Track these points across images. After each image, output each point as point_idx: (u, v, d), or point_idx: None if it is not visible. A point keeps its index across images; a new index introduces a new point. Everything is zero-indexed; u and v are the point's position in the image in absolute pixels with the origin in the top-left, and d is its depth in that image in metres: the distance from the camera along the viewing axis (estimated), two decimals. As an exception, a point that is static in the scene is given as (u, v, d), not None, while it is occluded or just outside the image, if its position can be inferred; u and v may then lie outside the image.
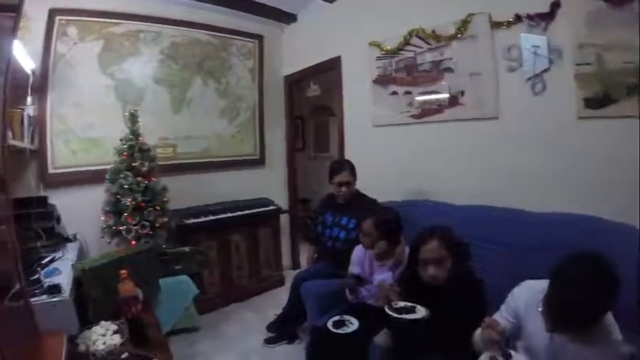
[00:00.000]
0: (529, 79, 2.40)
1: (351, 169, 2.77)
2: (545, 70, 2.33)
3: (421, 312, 1.72)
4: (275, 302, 3.36)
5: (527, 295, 1.52)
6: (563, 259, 1.33)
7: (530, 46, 2.38)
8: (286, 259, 4.25)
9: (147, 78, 3.32)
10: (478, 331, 1.56)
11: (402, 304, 1.78)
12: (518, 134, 2.47)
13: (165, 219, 2.90)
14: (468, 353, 1.63)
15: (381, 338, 1.92)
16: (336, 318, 2.05)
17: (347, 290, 2.32)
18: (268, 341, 2.86)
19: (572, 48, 2.22)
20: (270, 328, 2.96)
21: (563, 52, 2.26)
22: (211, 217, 3.35)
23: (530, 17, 2.35)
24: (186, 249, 2.98)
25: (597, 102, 2.17)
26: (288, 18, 4.11)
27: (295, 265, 4.36)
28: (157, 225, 2.84)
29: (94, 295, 1.96)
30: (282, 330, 2.91)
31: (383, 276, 2.24)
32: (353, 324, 2.01)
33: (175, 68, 3.48)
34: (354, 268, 2.39)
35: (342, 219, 2.76)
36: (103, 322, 1.76)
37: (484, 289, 1.78)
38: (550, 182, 2.36)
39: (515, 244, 2.13)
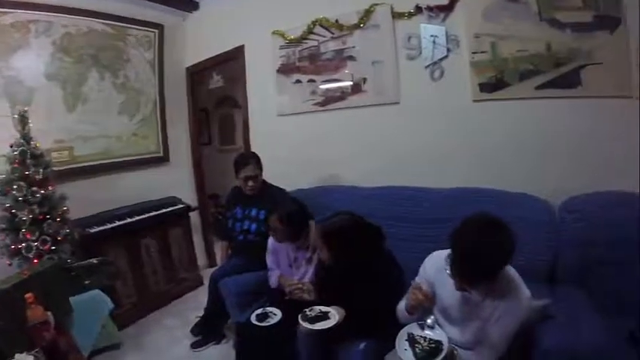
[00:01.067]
0: (428, 66, 2.71)
1: (257, 161, 2.82)
2: (443, 58, 2.66)
3: (334, 318, 1.86)
4: (196, 304, 3.35)
5: (436, 263, 1.68)
6: (461, 222, 1.52)
7: (429, 36, 2.68)
8: (202, 258, 4.25)
9: (37, 74, 3.08)
10: (401, 304, 1.72)
11: (316, 310, 1.91)
12: (418, 118, 2.78)
13: (68, 230, 2.76)
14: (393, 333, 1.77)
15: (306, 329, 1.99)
16: (259, 311, 2.13)
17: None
18: (195, 345, 2.87)
19: (468, 37, 2.57)
20: (194, 331, 2.98)
21: (460, 42, 2.60)
22: (117, 223, 3.22)
23: (429, 9, 2.65)
24: (94, 261, 2.81)
25: (491, 86, 2.56)
26: (190, 6, 4.05)
27: (212, 263, 4.36)
28: (59, 238, 2.68)
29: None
30: (207, 331, 2.93)
31: (300, 272, 2.37)
32: (276, 315, 2.10)
33: (68, 62, 3.26)
34: (269, 259, 2.52)
35: (252, 211, 2.82)
36: (17, 356, 1.65)
37: (399, 269, 1.97)
38: (450, 160, 2.70)
39: (425, 220, 2.43)
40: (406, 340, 1.55)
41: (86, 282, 2.72)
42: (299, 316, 1.88)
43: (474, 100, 2.60)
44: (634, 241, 2.02)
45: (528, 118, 2.50)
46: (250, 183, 2.76)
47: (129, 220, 3.31)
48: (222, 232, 3.13)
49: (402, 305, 1.71)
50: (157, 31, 3.90)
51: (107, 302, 2.74)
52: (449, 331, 1.63)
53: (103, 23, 3.48)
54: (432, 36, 2.67)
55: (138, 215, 3.39)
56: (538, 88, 2.46)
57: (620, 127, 2.30)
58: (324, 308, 1.92)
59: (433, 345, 1.50)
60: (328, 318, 1.86)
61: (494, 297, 1.54)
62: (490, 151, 2.59)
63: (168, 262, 3.66)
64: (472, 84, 2.60)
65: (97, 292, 2.71)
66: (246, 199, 2.86)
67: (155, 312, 3.42)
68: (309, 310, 1.90)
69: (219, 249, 3.24)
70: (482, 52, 2.55)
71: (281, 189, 2.88)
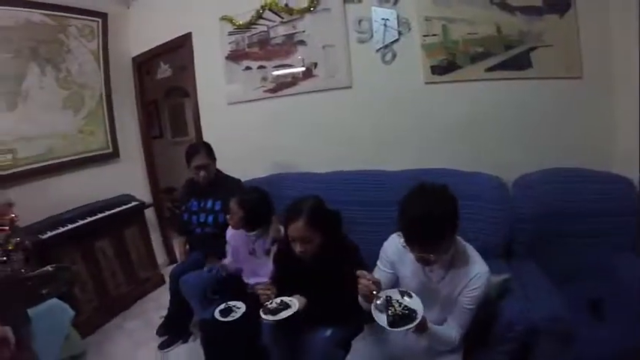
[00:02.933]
0: (379, 49, 2.89)
1: (208, 150, 2.91)
2: (395, 41, 2.84)
3: (294, 306, 1.93)
4: (159, 304, 3.43)
5: (395, 244, 1.80)
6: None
7: (380, 19, 2.84)
8: (161, 256, 4.30)
9: None
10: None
11: (277, 301, 1.97)
12: (370, 101, 2.97)
13: (18, 239, 2.67)
14: (359, 322, 1.92)
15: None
16: (222, 306, 2.20)
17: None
18: (162, 346, 2.94)
19: (419, 21, 2.76)
20: (160, 332, 3.05)
21: (411, 25, 2.79)
22: (70, 226, 3.19)
23: (381, -8, 2.79)
24: (49, 268, 2.71)
25: (443, 69, 2.77)
26: (135, -8, 4.02)
27: (172, 260, 4.41)
28: (10, 248, 2.60)
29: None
30: (173, 331, 3.01)
31: (259, 263, 2.49)
32: (240, 308, 2.18)
33: (6, 57, 3.19)
34: (228, 252, 2.65)
35: (207, 202, 2.92)
36: None
37: (359, 254, 2.08)
38: (403, 143, 2.91)
39: (380, 202, 2.60)
40: (382, 302, 1.59)
41: (43, 292, 2.64)
42: (260, 311, 1.95)
43: (426, 83, 2.80)
44: (582, 215, 2.31)
45: (480, 99, 2.71)
46: (202, 173, 2.85)
47: (81, 222, 3.30)
48: (179, 226, 3.20)
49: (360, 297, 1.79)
50: (100, 20, 3.83)
51: (67, 310, 2.67)
52: None
53: (41, 14, 3.41)
54: (383, 19, 2.83)
55: (90, 216, 3.38)
56: (489, 70, 2.69)
57: (570, 107, 2.58)
58: (284, 299, 1.99)
59: (406, 311, 1.53)
60: (289, 307, 1.94)
61: (453, 275, 1.68)
62: (443, 133, 2.80)
63: (127, 263, 3.70)
64: (424, 67, 2.79)
65: (55, 300, 2.63)
66: (200, 191, 2.95)
67: (117, 316, 3.48)
68: (270, 303, 1.97)
69: (177, 245, 3.30)
70: (433, 34, 2.74)
71: (236, 179, 2.98)
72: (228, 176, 3.01)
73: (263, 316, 1.92)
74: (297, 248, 1.99)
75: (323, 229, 1.99)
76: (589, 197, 2.34)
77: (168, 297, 2.99)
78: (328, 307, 1.95)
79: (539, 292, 1.94)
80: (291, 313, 1.91)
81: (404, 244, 1.68)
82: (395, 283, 1.84)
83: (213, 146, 2.96)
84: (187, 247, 3.13)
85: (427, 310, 1.65)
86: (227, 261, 2.66)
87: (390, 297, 1.59)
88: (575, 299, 1.97)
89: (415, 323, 1.49)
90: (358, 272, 1.65)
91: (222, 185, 2.89)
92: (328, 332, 1.98)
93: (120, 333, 3.25)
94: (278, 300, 1.98)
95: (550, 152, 2.60)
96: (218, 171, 2.99)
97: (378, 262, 1.89)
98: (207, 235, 2.89)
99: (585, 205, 2.33)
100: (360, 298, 1.70)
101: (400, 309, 1.54)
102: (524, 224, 2.40)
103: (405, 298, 1.59)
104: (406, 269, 1.79)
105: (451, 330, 1.69)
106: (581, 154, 2.53)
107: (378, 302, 1.57)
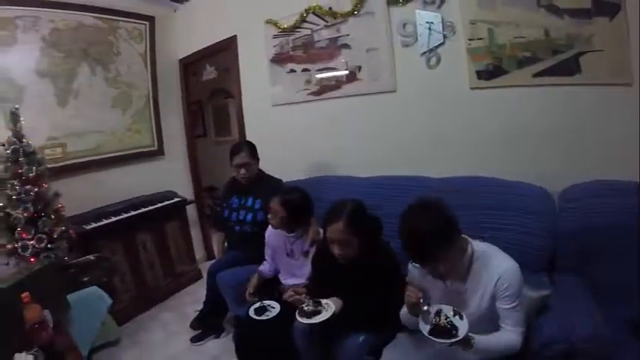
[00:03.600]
0: (424, 53, 2.88)
1: (251, 149, 2.98)
2: (440, 45, 2.83)
3: (330, 310, 1.95)
4: (194, 298, 3.55)
5: (411, 265, 1.84)
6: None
7: (424, 22, 2.84)
8: (199, 252, 4.45)
9: (27, 70, 3.23)
10: (403, 309, 1.80)
11: (313, 305, 1.98)
12: (414, 105, 2.97)
13: (63, 228, 2.86)
14: (392, 330, 1.94)
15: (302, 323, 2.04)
16: (257, 305, 2.26)
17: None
18: (195, 339, 3.03)
19: (464, 24, 2.73)
20: (193, 325, 3.14)
21: (456, 28, 2.77)
22: (113, 219, 3.37)
23: (424, -5, 2.82)
24: (91, 257, 2.96)
25: (489, 73, 2.72)
26: (180, -4, 4.20)
27: (210, 256, 4.58)
28: (55, 236, 2.79)
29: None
30: (206, 325, 3.09)
31: (298, 264, 2.53)
32: (275, 308, 2.22)
33: (59, 57, 3.40)
34: (266, 251, 2.69)
35: (248, 200, 2.99)
36: (17, 355, 1.70)
37: (397, 262, 2.04)
38: (447, 148, 2.90)
39: None
40: (432, 314, 1.63)
41: (84, 279, 2.85)
42: (296, 313, 1.97)
43: (471, 88, 2.77)
44: (629, 230, 2.16)
45: (526, 105, 2.66)
46: (242, 171, 2.94)
47: (124, 215, 3.46)
48: (219, 222, 3.29)
49: (403, 310, 1.81)
50: (147, 23, 4.06)
51: (105, 298, 2.83)
52: None
53: (92, 17, 3.63)
54: (427, 22, 2.83)
55: (133, 210, 3.55)
56: (536, 75, 2.60)
57: (619, 115, 2.45)
58: (321, 301, 2.00)
59: (449, 327, 1.56)
60: (325, 310, 1.95)
61: (474, 281, 1.71)
62: (488, 139, 2.77)
63: (166, 257, 3.85)
64: (469, 71, 2.76)
65: (94, 288, 2.79)
66: (241, 189, 3.03)
67: (153, 307, 3.62)
68: (306, 305, 1.97)
69: (215, 241, 3.38)
70: (478, 38, 2.70)
71: (277, 179, 3.06)
72: (270, 176, 3.08)
73: (299, 318, 1.95)
74: (336, 251, 2.00)
75: (362, 233, 2.00)
76: (637, 213, 2.20)
77: (204, 292, 3.07)
78: (363, 312, 1.95)
79: (581, 311, 1.86)
80: (326, 317, 1.93)
81: (411, 262, 1.78)
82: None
83: (255, 146, 3.04)
84: (225, 244, 3.21)
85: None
86: (264, 266, 2.71)
87: (441, 310, 1.62)
88: (616, 319, 1.89)
89: (452, 340, 1.53)
90: (408, 278, 1.74)
91: (263, 184, 2.97)
92: (361, 338, 1.99)
93: (154, 323, 3.39)
94: (314, 303, 2.00)
95: (598, 163, 2.49)
96: (260, 171, 3.07)
97: (408, 277, 1.89)
98: (246, 233, 2.96)
99: (634, 220, 2.18)
100: (402, 315, 1.76)
101: (445, 322, 1.57)
102: (568, 238, 2.31)
103: (457, 317, 1.61)
104: (427, 283, 1.80)
105: (507, 333, 1.68)
106: (631, 166, 2.38)
107: (430, 314, 1.62)
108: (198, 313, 3.18)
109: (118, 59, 3.83)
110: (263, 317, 2.18)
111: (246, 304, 2.45)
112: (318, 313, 1.95)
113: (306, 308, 1.97)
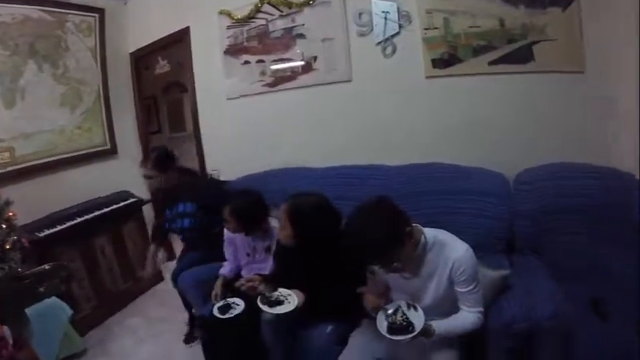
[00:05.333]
0: (379, 43, 3.06)
1: (156, 161, 3.00)
2: (395, 35, 3.01)
3: (293, 302, 2.05)
4: (158, 300, 3.63)
5: None
6: None
7: (380, 12, 3.01)
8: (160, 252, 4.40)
9: None
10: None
11: (276, 294, 2.09)
12: (371, 95, 3.15)
13: (15, 237, 2.79)
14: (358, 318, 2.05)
15: (268, 315, 2.10)
16: (221, 303, 2.32)
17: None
18: (187, 340, 3.10)
19: (420, 13, 2.92)
20: (188, 340, 3.13)
21: (412, 17, 2.95)
22: (68, 224, 3.35)
23: (380, -16, 2.96)
24: (46, 266, 2.71)
25: (444, 62, 2.93)
26: (131, -13, 4.21)
27: (170, 256, 4.48)
28: (7, 246, 2.72)
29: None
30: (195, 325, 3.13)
31: (260, 260, 2.63)
32: (239, 305, 2.28)
33: (4, 54, 3.36)
34: (226, 251, 2.76)
35: (178, 207, 3.02)
36: None
37: None
38: (404, 137, 3.09)
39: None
40: (390, 312, 1.77)
41: (41, 290, 2.67)
42: (258, 299, 2.07)
43: (427, 77, 2.97)
44: (584, 210, 2.41)
45: (482, 93, 2.88)
46: (148, 181, 3.04)
47: (79, 219, 3.44)
48: (156, 235, 3.31)
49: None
50: (97, 15, 4.04)
51: (65, 309, 2.86)
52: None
53: (39, 10, 3.58)
54: (383, 12, 3.00)
55: (88, 214, 3.53)
56: (491, 63, 2.84)
57: (572, 102, 2.73)
58: (284, 291, 2.11)
59: (405, 323, 1.70)
60: (288, 302, 2.06)
61: (428, 269, 1.83)
62: (444, 127, 2.98)
63: (125, 260, 3.87)
64: (424, 60, 2.96)
65: (53, 299, 2.77)
66: (169, 198, 3.09)
67: (117, 313, 3.65)
68: (269, 294, 2.09)
69: (149, 256, 3.30)
70: (434, 28, 2.90)
71: (204, 179, 3.18)
72: (195, 174, 3.15)
73: (261, 306, 2.04)
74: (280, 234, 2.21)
75: (296, 224, 2.14)
76: (591, 193, 2.44)
77: (167, 293, 3.20)
78: (328, 303, 2.05)
79: (541, 289, 2.02)
80: (290, 309, 2.02)
81: None
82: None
83: (211, 140, 3.20)
84: (159, 256, 3.29)
85: (421, 303, 1.83)
86: (225, 269, 2.75)
87: (398, 308, 1.77)
88: (576, 297, 2.05)
89: (409, 336, 1.68)
90: (360, 290, 1.86)
91: (189, 186, 3.02)
92: (329, 329, 2.11)
93: (121, 330, 3.41)
94: (277, 293, 2.11)
95: (552, 147, 2.74)
96: (184, 172, 3.13)
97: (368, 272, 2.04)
98: (193, 238, 3.05)
99: (587, 201, 2.43)
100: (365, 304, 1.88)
101: (401, 319, 1.72)
102: (525, 220, 2.53)
103: (411, 310, 1.77)
104: (386, 275, 1.92)
105: (466, 314, 1.81)
106: (584, 149, 2.67)
107: (388, 312, 1.78)
108: (187, 324, 3.20)
109: (66, 54, 3.80)
110: (227, 315, 2.24)
111: (210, 304, 2.52)
112: (281, 303, 2.06)
113: (268, 295, 2.08)
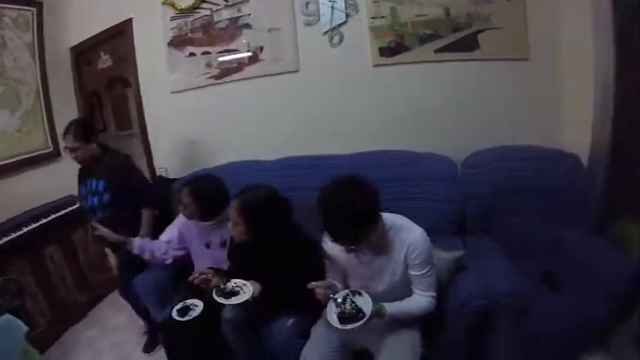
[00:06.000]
0: (326, 32, 3.11)
1: (77, 131, 2.85)
2: (342, 24, 3.07)
3: (248, 292, 2.06)
4: (116, 308, 3.58)
5: (327, 239, 1.96)
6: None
7: (327, 1, 3.06)
8: (112, 258, 4.18)
9: None
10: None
11: (231, 285, 2.09)
12: (318, 85, 3.20)
13: None
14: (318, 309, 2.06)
15: (228, 313, 2.14)
16: (179, 306, 2.29)
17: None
18: (146, 349, 3.10)
19: (367, 2, 2.99)
20: (147, 349, 3.13)
21: (359, 7, 3.02)
22: (13, 235, 3.21)
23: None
24: None
25: (391, 50, 3.02)
26: (70, -22, 4.06)
27: (124, 260, 4.54)
28: None
29: None
30: (152, 333, 3.13)
31: (215, 256, 2.57)
32: (198, 306, 2.28)
33: None
34: (172, 234, 2.72)
35: (92, 183, 2.91)
36: None
37: (311, 243, 2.18)
38: (353, 126, 3.17)
39: None
40: (338, 301, 1.82)
41: None
42: (213, 292, 2.07)
43: (375, 65, 3.05)
44: (530, 190, 2.59)
45: (429, 81, 3.00)
46: (73, 154, 2.90)
47: (25, 229, 3.32)
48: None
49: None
50: (34, 9, 3.86)
51: (20, 326, 2.67)
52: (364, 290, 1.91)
53: None
54: (330, 1, 3.05)
55: (34, 222, 3.41)
56: (437, 51, 2.96)
57: (517, 88, 2.90)
58: (238, 282, 2.11)
59: (354, 311, 1.76)
60: (244, 292, 2.07)
61: (385, 251, 1.90)
62: (393, 114, 3.07)
63: (77, 268, 3.78)
64: (371, 49, 3.04)
65: (6, 316, 2.62)
66: (84, 172, 3.00)
67: (75, 325, 3.59)
68: (223, 285, 2.09)
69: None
70: (381, 17, 2.98)
71: (123, 155, 3.04)
72: (114, 151, 3.02)
73: (216, 297, 2.04)
74: (229, 226, 2.22)
75: (250, 218, 2.13)
76: (537, 174, 2.63)
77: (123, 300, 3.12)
78: (286, 296, 2.08)
79: (495, 268, 2.16)
80: (245, 299, 2.04)
81: (327, 237, 1.90)
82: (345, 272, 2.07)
83: (157, 137, 3.22)
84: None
85: (376, 288, 1.94)
86: (139, 240, 2.70)
87: (346, 296, 1.83)
88: (528, 273, 2.19)
89: (360, 323, 1.73)
90: (310, 285, 1.86)
91: (103, 162, 2.90)
92: (289, 322, 2.16)
93: (80, 343, 3.35)
94: (232, 284, 2.10)
95: (500, 131, 2.88)
96: (104, 146, 3.02)
97: (325, 257, 2.10)
98: (108, 218, 2.84)
99: (534, 182, 2.61)
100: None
101: (350, 308, 1.77)
102: (474, 202, 2.67)
103: (357, 296, 1.83)
104: (342, 258, 2.00)
105: (419, 298, 1.91)
106: (530, 133, 2.83)
107: (337, 301, 1.82)
108: (145, 333, 3.21)
109: (3, 52, 3.62)
110: (187, 317, 2.23)
111: (167, 306, 2.50)
112: (237, 294, 2.07)
113: (223, 287, 2.08)
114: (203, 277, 2.23)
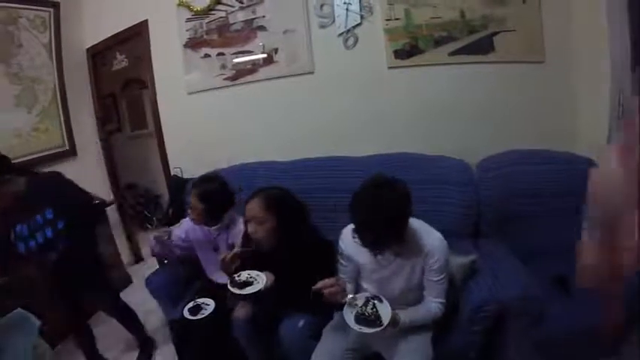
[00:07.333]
0: (341, 34, 3.19)
1: None
2: (357, 26, 3.14)
3: (262, 282, 2.06)
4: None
5: (349, 238, 1.96)
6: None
7: (342, 3, 3.14)
8: (126, 255, 4.51)
9: None
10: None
11: (245, 275, 2.11)
12: (333, 87, 3.28)
13: None
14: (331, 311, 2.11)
15: (239, 312, 2.21)
16: (191, 304, 2.32)
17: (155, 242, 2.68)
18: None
19: (381, 4, 3.06)
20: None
21: (374, 9, 3.09)
22: None
23: (342, -25, 3.11)
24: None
25: (406, 53, 3.09)
26: (87, -20, 4.21)
27: (137, 258, 4.67)
28: None
29: None
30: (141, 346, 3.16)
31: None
32: (209, 305, 2.30)
33: None
34: (180, 234, 2.71)
35: (36, 218, 2.46)
36: None
37: (325, 248, 2.21)
38: (367, 128, 3.23)
39: (345, 189, 2.77)
40: (357, 303, 1.84)
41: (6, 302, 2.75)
42: (228, 283, 2.07)
43: (389, 67, 3.12)
44: (544, 195, 2.61)
45: (444, 83, 3.05)
46: None
47: None
48: None
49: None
50: (52, 10, 3.98)
51: (33, 320, 2.70)
52: (378, 293, 1.94)
53: None
54: (345, 3, 3.12)
55: None
56: (452, 54, 3.02)
57: (532, 91, 2.94)
58: (252, 273, 2.12)
59: (372, 317, 1.76)
60: (257, 282, 2.07)
61: (404, 255, 1.91)
62: (408, 117, 3.14)
63: None
64: (386, 51, 3.11)
65: (19, 311, 2.66)
66: (16, 211, 2.49)
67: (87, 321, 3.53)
68: (238, 276, 2.10)
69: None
70: (395, 19, 3.05)
71: (51, 174, 2.75)
72: (40, 175, 2.75)
73: (230, 288, 2.05)
74: (250, 229, 2.19)
75: (278, 213, 2.17)
76: (551, 177, 2.65)
77: (137, 296, 3.21)
78: (297, 298, 2.07)
79: (508, 272, 2.19)
80: (258, 289, 2.04)
81: (356, 238, 1.85)
82: (358, 272, 2.09)
83: (173, 137, 3.29)
84: None
85: (391, 291, 1.95)
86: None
87: (369, 299, 1.84)
88: (541, 277, 2.21)
89: (377, 329, 1.74)
90: (315, 287, 1.86)
91: (39, 189, 2.50)
92: (301, 323, 2.18)
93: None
94: (245, 274, 2.12)
95: (514, 135, 2.94)
96: (32, 173, 2.69)
97: (339, 257, 2.12)
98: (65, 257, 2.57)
99: (548, 186, 2.64)
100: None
101: (371, 311, 1.79)
102: (489, 205, 2.70)
103: (376, 302, 1.84)
104: (361, 258, 2.02)
105: (429, 305, 1.95)
106: (544, 136, 2.88)
107: (357, 303, 1.84)
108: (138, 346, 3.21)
109: (20, 52, 3.74)
110: (199, 316, 2.25)
111: (180, 305, 2.53)
112: (250, 284, 2.08)
113: (237, 279, 2.10)
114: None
